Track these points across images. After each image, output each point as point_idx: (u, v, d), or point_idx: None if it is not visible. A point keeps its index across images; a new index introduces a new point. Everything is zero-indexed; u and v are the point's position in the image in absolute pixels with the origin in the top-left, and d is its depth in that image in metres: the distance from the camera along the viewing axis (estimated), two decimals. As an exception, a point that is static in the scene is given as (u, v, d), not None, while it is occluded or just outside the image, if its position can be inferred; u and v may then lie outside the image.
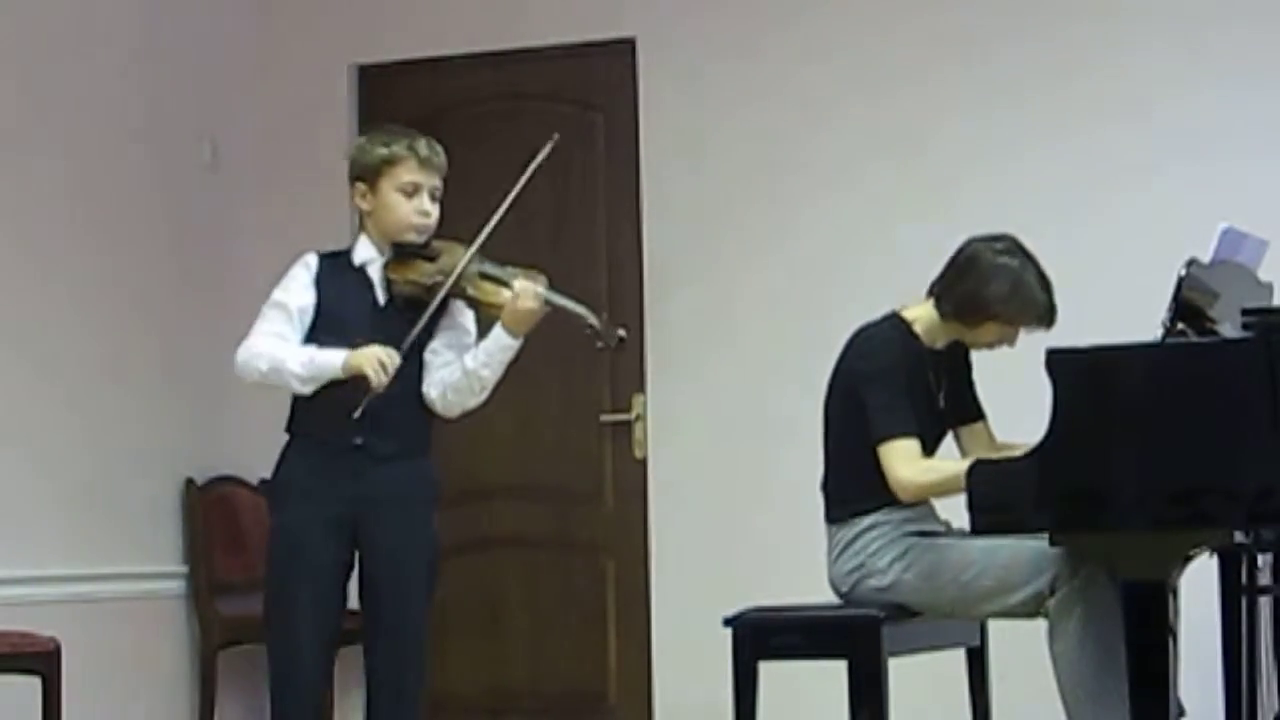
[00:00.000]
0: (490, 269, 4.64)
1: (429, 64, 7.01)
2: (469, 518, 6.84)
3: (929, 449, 4.82)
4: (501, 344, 4.59)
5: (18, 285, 6.18)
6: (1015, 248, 4.81)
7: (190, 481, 6.75)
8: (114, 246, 6.55)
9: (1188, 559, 4.26)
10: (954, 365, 5.00)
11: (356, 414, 4.44)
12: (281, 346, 4.55)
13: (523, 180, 4.65)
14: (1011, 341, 4.85)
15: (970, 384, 5.05)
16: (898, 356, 4.81)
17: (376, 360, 4.44)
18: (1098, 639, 4.43)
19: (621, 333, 4.65)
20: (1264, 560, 5.00)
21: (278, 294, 4.64)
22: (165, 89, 6.80)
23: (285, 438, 4.67)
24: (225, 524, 6.75)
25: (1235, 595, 4.99)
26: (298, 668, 4.54)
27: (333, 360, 4.50)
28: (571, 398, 6.78)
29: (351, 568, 4.61)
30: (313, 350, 4.54)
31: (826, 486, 4.93)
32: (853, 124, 6.43)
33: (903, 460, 4.71)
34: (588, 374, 6.75)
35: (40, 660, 5.53)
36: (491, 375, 4.62)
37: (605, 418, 6.75)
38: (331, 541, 4.55)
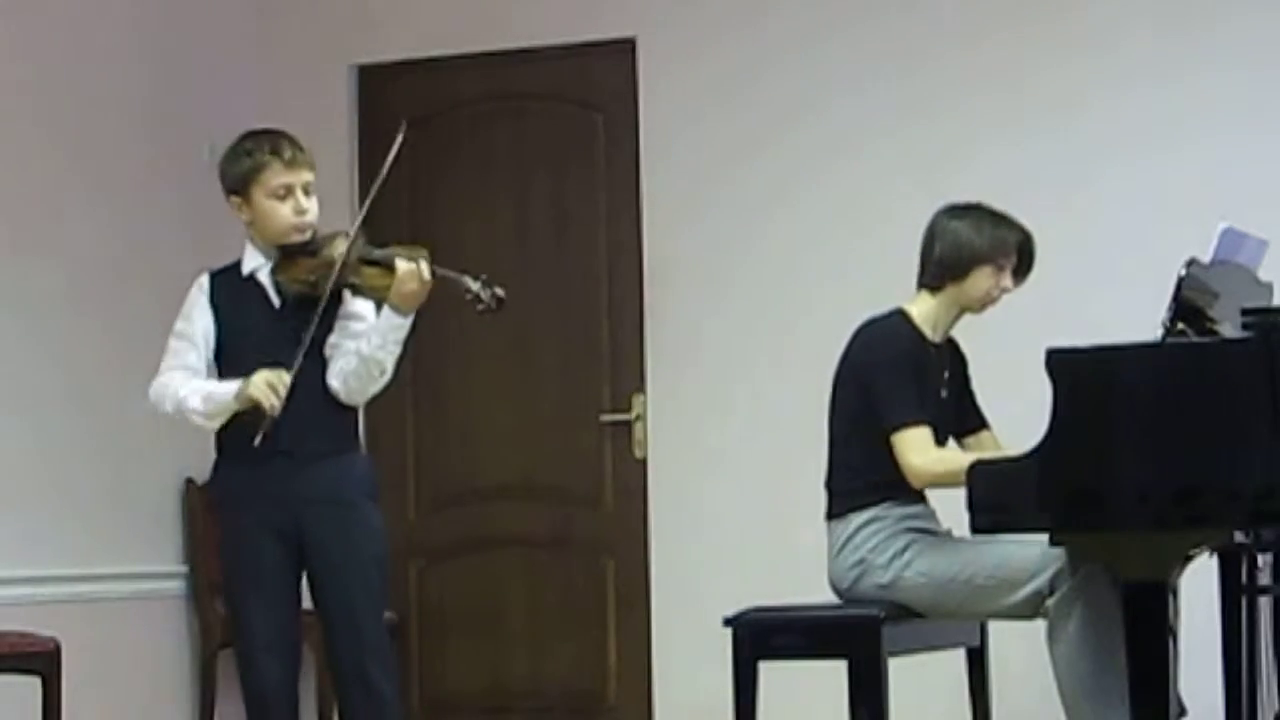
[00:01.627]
0: (371, 253, 4.62)
1: (429, 64, 7.01)
2: (469, 518, 6.85)
3: (938, 442, 4.83)
4: (393, 324, 4.56)
5: (18, 285, 6.18)
6: (973, 204, 4.96)
7: (190, 481, 6.75)
8: (114, 246, 6.54)
9: (1188, 559, 4.26)
10: (954, 367, 5.02)
11: (257, 441, 4.47)
12: (184, 384, 4.59)
13: (385, 169, 4.59)
14: (1007, 285, 4.90)
15: (970, 391, 5.07)
16: (906, 347, 4.86)
17: (266, 385, 4.45)
18: (1098, 639, 4.44)
19: (500, 292, 4.58)
20: (1264, 560, 5.00)
21: (179, 324, 4.70)
22: (165, 89, 6.79)
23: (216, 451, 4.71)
24: (225, 524, 6.75)
25: (1235, 595, 4.99)
26: (262, 675, 4.58)
27: (226, 393, 4.53)
28: (571, 398, 6.78)
29: (300, 570, 4.62)
30: (210, 386, 4.57)
31: (830, 483, 4.94)
32: (854, 124, 6.42)
33: (915, 448, 4.73)
34: (588, 374, 6.75)
35: (40, 660, 5.53)
36: (389, 357, 4.59)
37: (605, 418, 6.74)
38: (274, 547, 4.57)
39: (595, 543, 6.75)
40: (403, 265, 4.53)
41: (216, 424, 4.59)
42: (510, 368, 6.84)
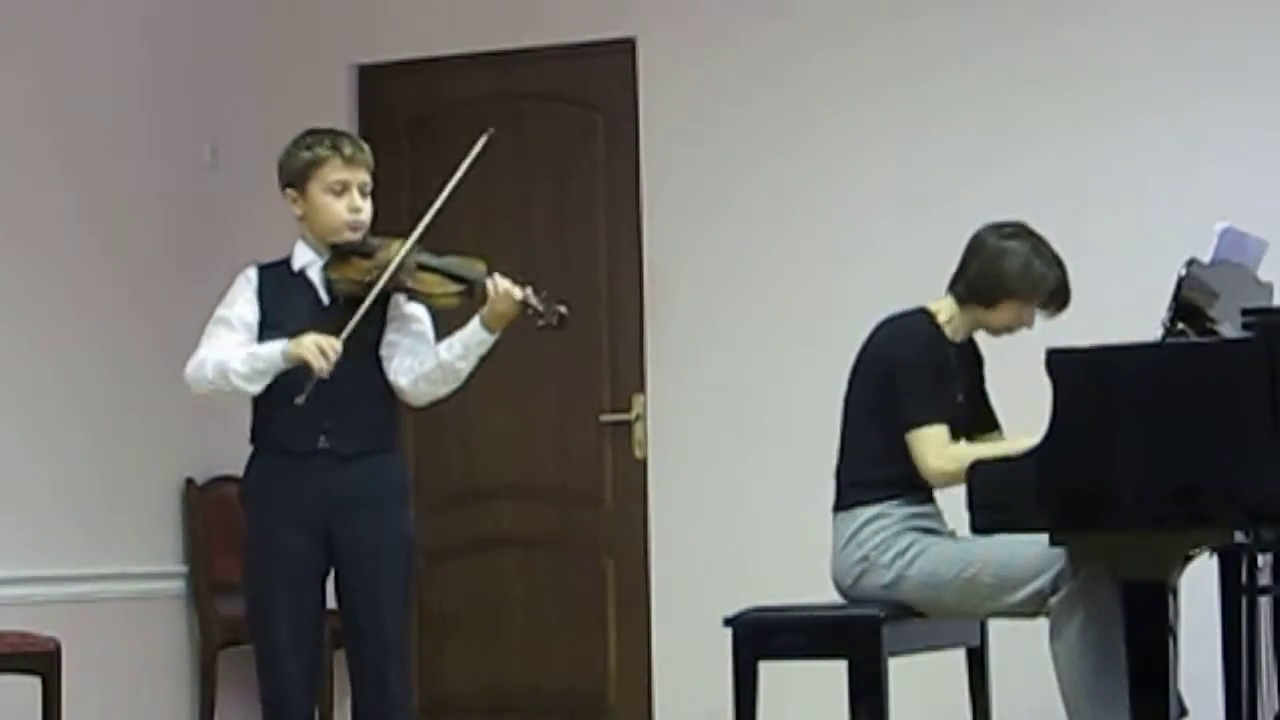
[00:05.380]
0: (429, 260, 4.63)
1: (429, 64, 7.01)
2: (469, 518, 6.85)
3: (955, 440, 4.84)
4: (479, 339, 4.58)
5: (18, 285, 6.18)
6: (1023, 230, 4.93)
7: (190, 481, 6.76)
8: (114, 246, 6.55)
9: (1188, 559, 4.26)
10: (971, 369, 5.04)
11: (300, 399, 4.43)
12: (224, 350, 4.56)
13: (458, 175, 4.64)
14: (1029, 322, 4.91)
15: (984, 393, 5.08)
16: (928, 345, 4.88)
17: (316, 346, 4.43)
18: (1098, 639, 4.44)
19: (562, 309, 4.61)
20: (1264, 560, 5.00)
21: (221, 310, 4.66)
22: (165, 89, 6.80)
23: (251, 448, 4.70)
24: (225, 524, 6.74)
25: (1235, 595, 4.99)
26: (281, 674, 4.56)
27: (272, 351, 4.50)
28: (571, 398, 6.78)
29: (327, 569, 4.61)
30: (253, 347, 4.55)
31: (840, 474, 4.94)
32: (853, 124, 6.42)
33: (932, 447, 4.75)
34: (588, 374, 6.75)
35: (40, 660, 5.54)
36: (467, 368, 4.62)
37: (605, 418, 6.74)
38: (304, 545, 4.55)
39: (595, 543, 6.75)
40: (501, 284, 4.55)
41: (258, 387, 4.53)
42: (510, 368, 6.81)
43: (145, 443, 6.60)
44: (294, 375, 4.49)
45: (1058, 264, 4.89)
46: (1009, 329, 4.94)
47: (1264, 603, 5.02)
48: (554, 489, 6.81)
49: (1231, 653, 4.98)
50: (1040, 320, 4.95)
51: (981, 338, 5.08)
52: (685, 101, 6.65)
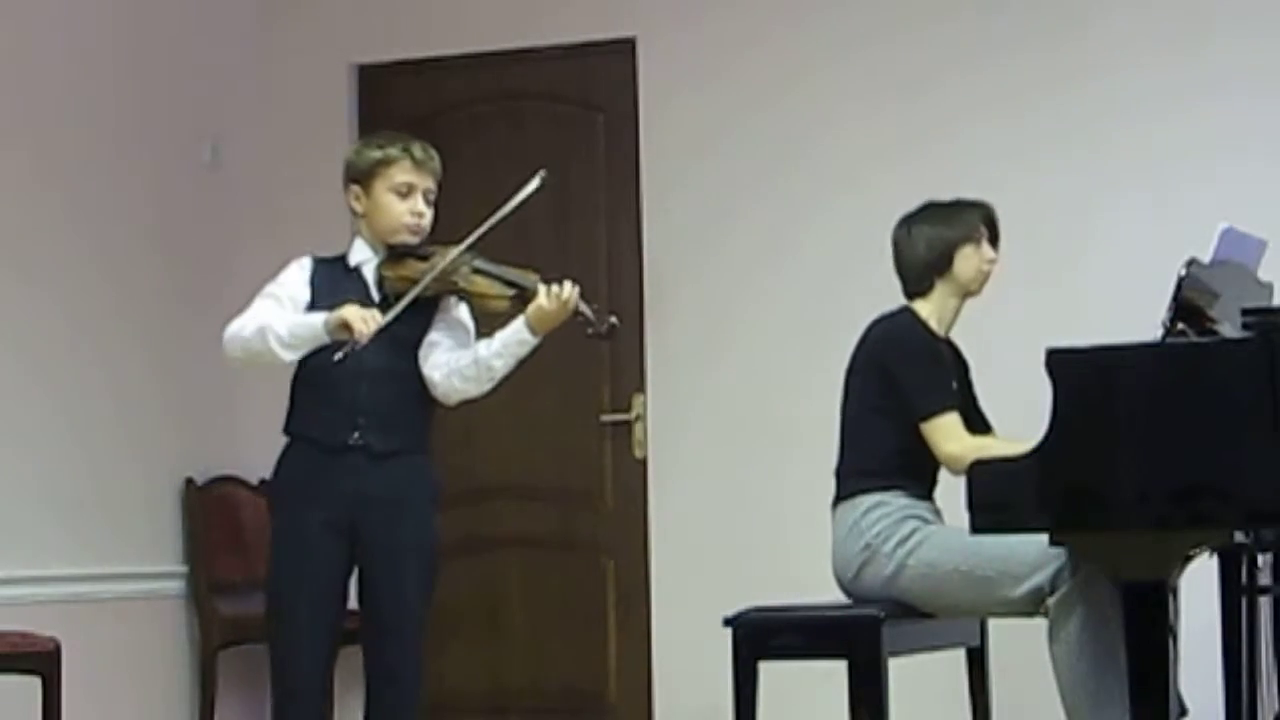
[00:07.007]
0: (484, 265, 4.66)
1: (429, 64, 7.01)
2: (469, 518, 6.84)
3: None
4: (520, 338, 4.61)
5: (17, 285, 6.18)
6: (918, 208, 5.07)
7: (190, 481, 6.75)
8: (114, 246, 6.55)
9: (1188, 559, 4.26)
10: (958, 370, 5.05)
11: (338, 357, 4.43)
12: (267, 314, 4.57)
13: (515, 202, 4.70)
14: (990, 256, 5.01)
15: (973, 395, 5.09)
16: (926, 338, 4.94)
17: (357, 312, 4.46)
18: (1098, 639, 4.44)
19: (613, 320, 4.68)
20: (1264, 560, 5.01)
21: (270, 286, 4.69)
22: (166, 89, 6.79)
23: (286, 438, 4.69)
24: (225, 524, 6.75)
25: (1235, 595, 4.99)
26: (298, 669, 4.57)
27: (313, 320, 4.52)
28: (571, 398, 6.78)
29: (351, 568, 4.62)
30: (297, 315, 4.57)
31: (840, 469, 4.96)
32: (853, 124, 6.43)
33: (950, 436, 4.78)
34: (588, 374, 6.75)
35: (40, 660, 5.53)
36: (503, 367, 4.64)
37: (605, 418, 6.74)
38: (331, 542, 4.56)
39: (595, 543, 6.75)
40: (545, 288, 4.58)
41: (294, 356, 4.55)
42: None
43: (145, 443, 6.59)
44: (331, 360, 4.49)
45: (969, 201, 5.04)
46: (982, 274, 5.01)
47: (1264, 603, 5.02)
48: (554, 489, 6.81)
49: (1231, 653, 4.99)
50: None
51: (973, 340, 5.08)
52: (685, 101, 6.65)
